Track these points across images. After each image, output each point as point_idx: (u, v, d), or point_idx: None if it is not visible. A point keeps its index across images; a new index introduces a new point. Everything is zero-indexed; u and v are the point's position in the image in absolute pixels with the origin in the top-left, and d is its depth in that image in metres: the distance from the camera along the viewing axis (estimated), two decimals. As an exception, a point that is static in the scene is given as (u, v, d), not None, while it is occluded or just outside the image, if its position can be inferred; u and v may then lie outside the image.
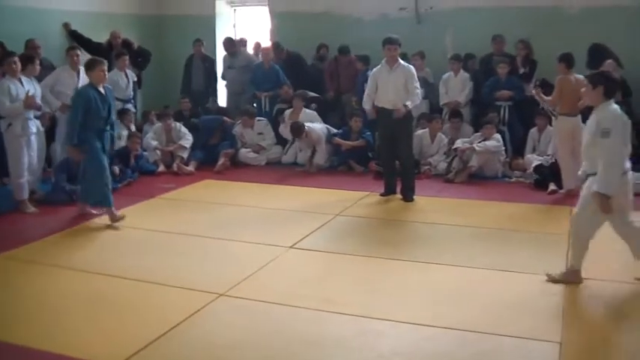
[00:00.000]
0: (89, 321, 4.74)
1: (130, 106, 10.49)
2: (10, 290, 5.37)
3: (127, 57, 10.44)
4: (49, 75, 8.94)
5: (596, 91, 5.13)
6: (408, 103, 7.90)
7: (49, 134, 8.91)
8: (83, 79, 8.90)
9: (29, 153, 7.90)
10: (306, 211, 7.69)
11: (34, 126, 7.91)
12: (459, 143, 9.51)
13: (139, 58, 11.58)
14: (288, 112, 11.01)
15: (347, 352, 4.27)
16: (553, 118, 8.47)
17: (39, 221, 7.46)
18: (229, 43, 12.30)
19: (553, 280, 5.39)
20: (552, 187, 8.49)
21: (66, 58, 9.21)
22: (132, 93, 10.61)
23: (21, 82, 7.76)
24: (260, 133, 10.86)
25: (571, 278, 5.36)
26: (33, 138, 7.91)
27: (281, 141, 11.08)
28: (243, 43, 12.74)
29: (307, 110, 10.89)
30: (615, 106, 5.14)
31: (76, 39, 11.09)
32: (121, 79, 10.30)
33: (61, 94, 8.85)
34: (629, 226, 5.30)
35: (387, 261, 5.96)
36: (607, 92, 5.10)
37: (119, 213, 7.29)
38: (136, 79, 10.75)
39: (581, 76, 7.93)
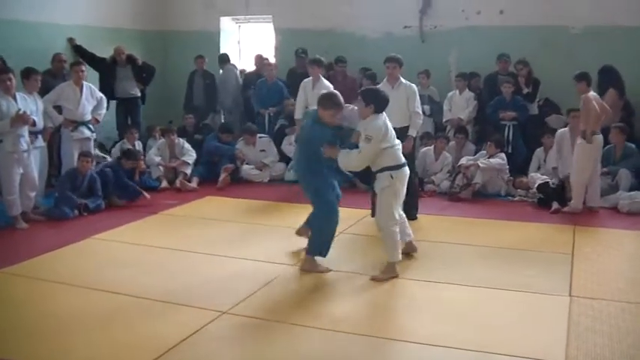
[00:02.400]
0: (87, 339, 4.70)
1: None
2: (6, 306, 5.33)
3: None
4: (53, 90, 8.95)
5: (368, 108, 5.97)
6: (413, 133, 7.92)
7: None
8: (87, 95, 8.99)
9: (24, 170, 7.86)
10: (309, 229, 7.64)
11: (26, 143, 7.80)
12: (463, 161, 9.50)
13: (144, 74, 11.60)
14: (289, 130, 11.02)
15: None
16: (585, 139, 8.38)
17: (40, 236, 7.45)
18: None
19: (377, 279, 5.77)
20: (556, 205, 8.46)
21: (71, 73, 9.22)
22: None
23: (15, 99, 7.72)
24: (262, 150, 10.85)
25: (390, 273, 5.88)
26: (26, 155, 7.85)
27: (284, 158, 11.06)
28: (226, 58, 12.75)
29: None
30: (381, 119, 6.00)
31: (80, 54, 11.10)
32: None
33: (64, 109, 8.88)
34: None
35: (392, 280, 5.92)
36: (377, 109, 5.99)
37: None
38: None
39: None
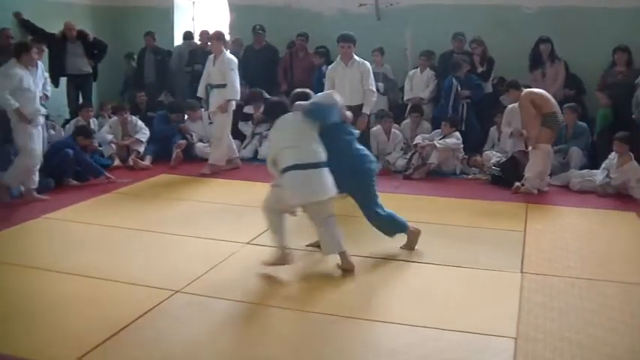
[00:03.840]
0: (39, 320, 4.62)
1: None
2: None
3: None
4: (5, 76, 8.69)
5: None
6: (367, 111, 7.93)
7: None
8: (40, 72, 8.78)
9: None
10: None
11: None
12: (418, 139, 9.54)
13: (95, 50, 11.37)
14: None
15: (303, 348, 4.24)
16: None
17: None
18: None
19: (268, 263, 5.56)
20: (517, 184, 8.54)
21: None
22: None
23: None
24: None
25: (281, 260, 5.55)
26: None
27: (239, 136, 10.98)
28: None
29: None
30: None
31: (28, 29, 10.83)
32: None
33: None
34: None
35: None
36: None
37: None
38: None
39: None
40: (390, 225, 6.06)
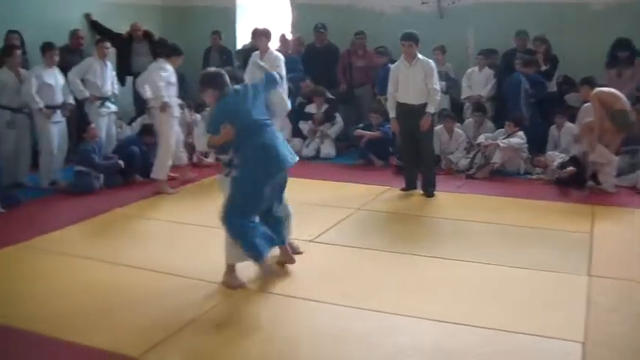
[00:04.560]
0: (107, 312, 4.75)
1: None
2: (27, 280, 5.39)
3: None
4: (80, 64, 9.10)
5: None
6: (431, 110, 7.89)
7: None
8: (110, 70, 9.14)
9: None
10: (326, 204, 7.66)
11: None
12: (481, 138, 9.45)
13: (160, 50, 11.56)
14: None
15: (367, 347, 4.24)
16: None
17: (59, 211, 7.51)
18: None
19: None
20: (590, 183, 8.41)
21: (95, 50, 9.38)
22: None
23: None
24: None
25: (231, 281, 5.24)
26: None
27: (299, 134, 11.07)
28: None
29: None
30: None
31: (97, 30, 11.11)
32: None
33: (89, 84, 9.04)
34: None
35: (407, 256, 5.91)
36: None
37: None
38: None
39: None
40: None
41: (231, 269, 5.29)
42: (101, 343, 4.29)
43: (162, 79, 8.38)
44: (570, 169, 8.52)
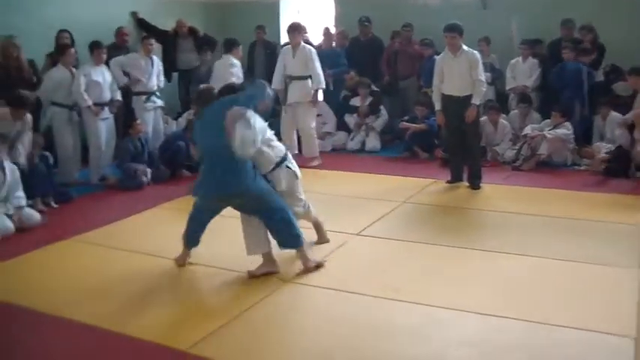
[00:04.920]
0: (157, 305, 4.85)
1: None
2: (78, 273, 5.53)
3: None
4: (126, 56, 9.34)
5: None
6: (477, 102, 7.85)
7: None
8: (156, 66, 9.30)
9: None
10: (372, 197, 7.68)
11: None
12: (528, 130, 9.35)
13: (205, 46, 11.69)
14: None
15: (415, 341, 4.25)
16: None
17: (108, 206, 7.66)
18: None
19: (253, 275, 5.29)
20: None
21: (140, 46, 9.58)
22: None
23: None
24: (319, 115, 10.74)
25: (268, 268, 5.34)
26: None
27: (344, 127, 11.10)
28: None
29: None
30: None
31: (144, 27, 11.28)
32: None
33: (134, 79, 9.28)
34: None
35: (454, 249, 5.91)
36: None
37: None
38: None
39: None
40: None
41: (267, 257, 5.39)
42: (149, 336, 4.38)
43: (234, 74, 8.76)
44: (603, 155, 8.54)
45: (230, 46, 9.32)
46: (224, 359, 4.07)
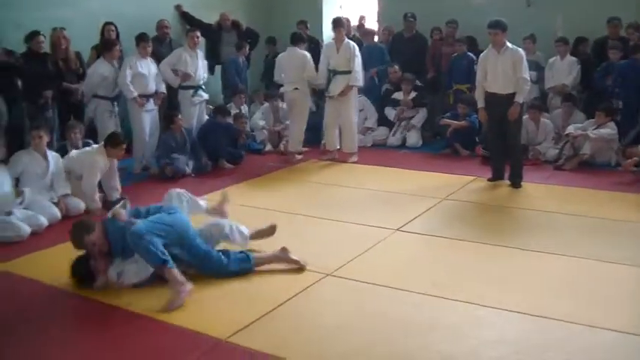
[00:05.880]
0: (196, 295, 4.87)
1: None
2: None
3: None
4: (171, 54, 9.42)
5: None
6: (520, 100, 7.78)
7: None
8: (201, 59, 9.40)
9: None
10: (412, 193, 7.68)
11: None
12: (571, 129, 9.24)
13: (248, 39, 11.77)
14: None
15: (454, 338, 4.25)
16: None
17: (151, 196, 7.73)
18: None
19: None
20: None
21: (186, 40, 9.66)
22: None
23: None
24: (361, 110, 10.80)
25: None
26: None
27: (385, 122, 11.09)
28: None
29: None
30: None
31: (188, 20, 11.39)
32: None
33: (181, 73, 9.37)
34: None
35: (495, 247, 5.88)
36: None
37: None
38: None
39: None
40: None
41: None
42: (190, 324, 4.45)
43: (307, 62, 9.38)
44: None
45: (297, 40, 9.55)
46: (260, 349, 4.12)
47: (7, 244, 6.14)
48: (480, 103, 8.12)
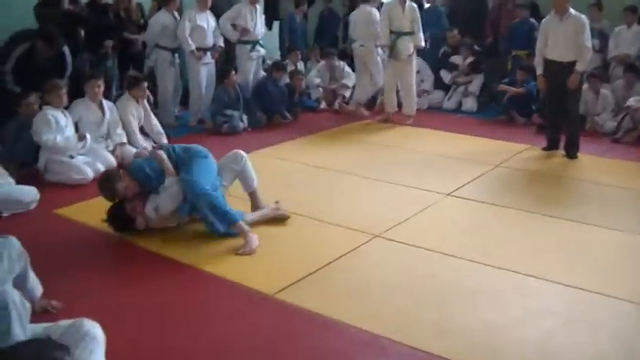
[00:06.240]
0: (257, 252, 4.97)
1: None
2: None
3: None
4: (231, 9, 9.39)
5: None
6: (580, 68, 7.62)
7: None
8: (260, 14, 9.41)
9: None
10: (465, 159, 7.64)
11: None
12: (631, 101, 9.01)
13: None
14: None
15: (500, 306, 4.26)
16: None
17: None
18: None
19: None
20: None
21: None
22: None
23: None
24: (417, 72, 10.68)
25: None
26: None
27: (441, 85, 10.98)
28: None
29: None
30: None
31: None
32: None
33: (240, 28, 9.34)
34: None
35: (546, 218, 5.83)
36: None
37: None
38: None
39: None
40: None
41: None
42: (239, 278, 4.54)
43: (375, 22, 9.49)
44: None
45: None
46: (305, 306, 4.19)
47: (64, 189, 6.36)
48: (539, 70, 7.98)
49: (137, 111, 7.60)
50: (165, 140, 7.65)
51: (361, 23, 9.76)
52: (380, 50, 9.88)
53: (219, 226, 5.13)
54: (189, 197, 5.16)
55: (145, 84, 7.71)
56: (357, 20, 9.85)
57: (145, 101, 7.74)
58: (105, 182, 5.24)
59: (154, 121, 7.81)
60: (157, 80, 8.95)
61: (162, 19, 8.77)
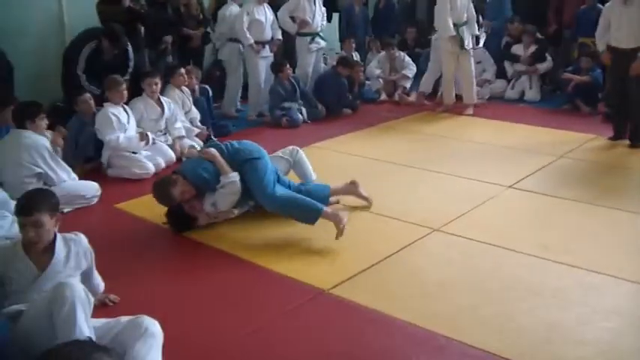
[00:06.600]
0: (303, 245, 4.97)
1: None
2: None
3: None
4: (289, 1, 9.37)
5: None
6: None
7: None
8: (319, 6, 9.39)
9: None
10: (528, 150, 7.47)
11: None
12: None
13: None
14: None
15: (562, 304, 4.12)
16: None
17: (264, 143, 7.85)
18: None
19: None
20: None
21: None
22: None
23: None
24: (479, 62, 10.49)
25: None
26: None
27: (502, 75, 10.75)
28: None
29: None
30: None
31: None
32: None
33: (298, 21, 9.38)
34: None
35: (611, 211, 5.64)
36: None
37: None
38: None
39: None
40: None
41: None
42: (293, 272, 4.52)
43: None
44: None
45: None
46: (362, 302, 4.13)
47: (125, 184, 6.46)
48: (602, 47, 7.73)
49: (180, 99, 7.70)
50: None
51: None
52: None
53: (309, 219, 5.08)
54: (268, 208, 5.23)
55: (182, 70, 7.77)
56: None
57: (188, 89, 7.86)
58: (160, 188, 5.25)
59: (195, 111, 7.90)
60: (226, 73, 9.15)
61: (232, 10, 8.93)
